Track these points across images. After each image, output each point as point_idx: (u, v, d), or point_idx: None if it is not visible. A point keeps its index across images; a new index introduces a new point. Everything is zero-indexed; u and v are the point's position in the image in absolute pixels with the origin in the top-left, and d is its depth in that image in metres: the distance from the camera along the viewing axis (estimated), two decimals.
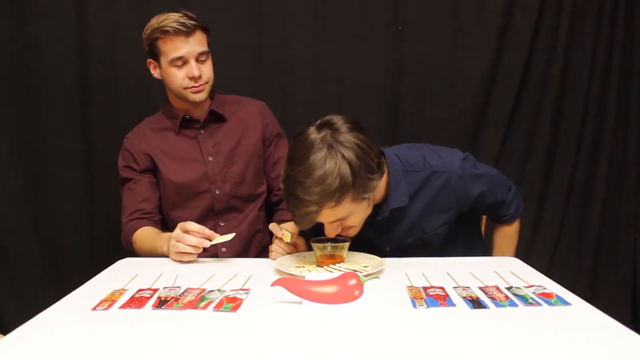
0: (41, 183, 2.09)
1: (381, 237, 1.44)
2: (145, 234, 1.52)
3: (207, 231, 1.32)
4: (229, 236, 1.33)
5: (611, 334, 0.89)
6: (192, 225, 1.32)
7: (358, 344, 0.85)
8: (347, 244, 1.29)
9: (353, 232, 1.31)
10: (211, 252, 1.55)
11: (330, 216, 1.21)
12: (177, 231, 1.32)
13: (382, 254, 1.36)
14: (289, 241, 1.36)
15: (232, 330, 0.91)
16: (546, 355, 0.80)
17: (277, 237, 1.39)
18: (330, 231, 1.27)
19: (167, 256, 1.37)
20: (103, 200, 2.12)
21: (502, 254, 1.58)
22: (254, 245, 1.67)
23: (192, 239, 1.30)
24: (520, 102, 2.22)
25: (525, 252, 2.16)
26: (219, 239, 1.32)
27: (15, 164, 2.07)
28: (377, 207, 1.36)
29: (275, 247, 1.40)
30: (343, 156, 1.16)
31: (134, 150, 1.62)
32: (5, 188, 2.07)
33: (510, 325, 0.92)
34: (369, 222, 1.34)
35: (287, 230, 1.37)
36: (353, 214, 1.24)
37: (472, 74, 2.16)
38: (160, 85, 2.07)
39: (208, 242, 1.31)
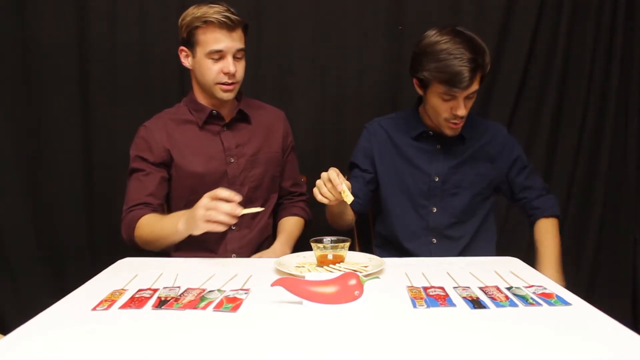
0: (41, 183, 2.09)
1: (435, 165, 1.65)
2: (152, 220, 1.46)
3: (237, 197, 1.25)
4: (257, 209, 1.34)
5: (611, 334, 0.89)
6: (222, 192, 1.25)
7: (358, 344, 0.85)
8: (347, 244, 1.29)
9: (459, 125, 1.58)
10: (221, 256, 1.55)
11: (475, 84, 1.50)
12: (206, 200, 1.25)
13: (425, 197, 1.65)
14: (349, 202, 1.33)
15: (232, 330, 0.91)
16: (546, 355, 0.80)
17: (331, 184, 1.32)
18: (462, 108, 1.52)
19: (177, 238, 1.32)
20: (103, 201, 2.12)
21: (546, 249, 1.66)
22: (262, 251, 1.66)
23: (226, 206, 1.24)
24: (520, 102, 2.22)
25: (526, 252, 2.16)
26: (247, 210, 1.29)
27: (15, 164, 2.07)
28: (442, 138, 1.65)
29: (325, 191, 1.33)
30: None
31: (151, 139, 1.56)
32: (5, 188, 2.07)
33: (510, 325, 0.92)
34: (430, 148, 1.66)
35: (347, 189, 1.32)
36: (474, 97, 1.55)
37: None
38: (161, 85, 2.09)
39: (241, 209, 1.26)
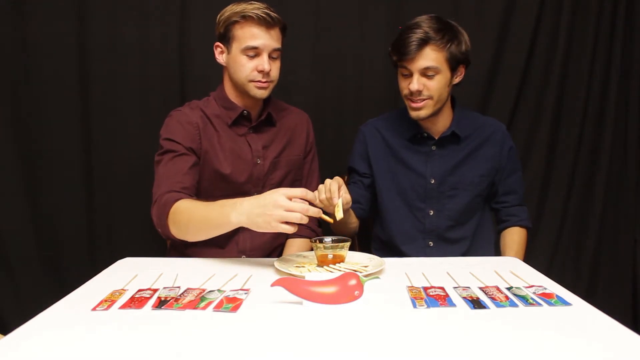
0: (41, 183, 2.09)
1: (431, 166, 1.64)
2: (190, 205, 1.35)
3: (310, 195, 1.19)
4: (340, 208, 1.27)
5: (611, 334, 0.89)
6: (295, 191, 1.18)
7: (358, 344, 0.85)
8: (347, 244, 1.29)
9: (424, 111, 1.55)
10: (230, 255, 1.53)
11: (427, 58, 1.49)
12: (283, 198, 1.16)
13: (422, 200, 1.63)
14: (337, 219, 1.29)
15: (232, 330, 0.91)
16: (546, 355, 0.80)
17: (326, 197, 1.30)
18: (415, 84, 1.51)
19: (224, 230, 1.27)
20: (103, 201, 2.12)
21: (517, 255, 1.63)
22: (273, 257, 1.64)
23: (302, 205, 1.16)
24: (520, 102, 2.22)
25: (526, 252, 2.16)
26: (321, 213, 1.22)
27: (15, 164, 2.07)
28: (436, 139, 1.63)
29: (323, 198, 1.31)
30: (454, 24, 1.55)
31: (186, 123, 1.50)
32: (5, 188, 2.07)
33: (510, 325, 0.93)
34: (425, 150, 1.64)
35: (342, 202, 1.30)
36: (438, 76, 1.52)
37: (472, 74, 2.15)
38: (161, 85, 2.08)
39: (314, 209, 1.18)
